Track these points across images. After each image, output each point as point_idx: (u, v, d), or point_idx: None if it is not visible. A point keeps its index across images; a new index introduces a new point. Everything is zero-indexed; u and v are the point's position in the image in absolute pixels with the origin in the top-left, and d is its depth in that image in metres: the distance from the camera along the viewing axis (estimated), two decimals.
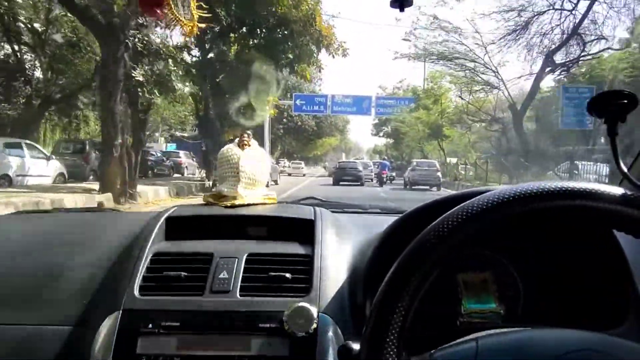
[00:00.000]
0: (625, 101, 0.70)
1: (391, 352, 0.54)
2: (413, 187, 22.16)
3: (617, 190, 0.57)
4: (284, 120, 42.06)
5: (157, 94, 12.08)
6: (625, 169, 0.72)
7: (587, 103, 0.75)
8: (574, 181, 0.58)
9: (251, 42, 17.08)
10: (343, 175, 25.51)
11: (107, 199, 9.19)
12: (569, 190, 0.56)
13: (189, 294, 0.90)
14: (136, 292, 0.90)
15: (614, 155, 0.73)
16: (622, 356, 0.53)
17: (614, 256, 0.87)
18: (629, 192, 0.57)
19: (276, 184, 21.54)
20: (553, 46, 20.36)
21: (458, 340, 0.60)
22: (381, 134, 56.51)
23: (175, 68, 12.66)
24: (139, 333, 0.84)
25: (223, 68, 17.31)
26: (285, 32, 16.57)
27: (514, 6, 20.16)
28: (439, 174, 23.24)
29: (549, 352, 0.53)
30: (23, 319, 0.91)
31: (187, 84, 14.92)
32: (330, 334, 0.84)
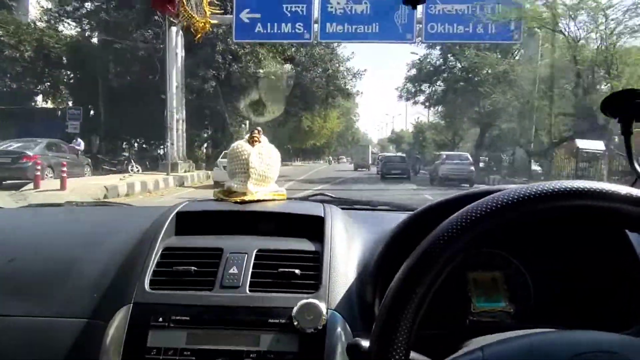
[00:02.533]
0: None
1: (400, 351, 0.54)
2: (443, 184, 19.55)
3: (631, 191, 0.56)
4: (218, 60, 20.24)
5: None
6: (639, 169, 0.71)
7: (601, 102, 0.74)
8: (590, 181, 0.57)
9: None
10: (391, 168, 25.21)
11: None
12: (583, 190, 0.55)
13: (199, 288, 0.90)
14: (147, 286, 0.90)
15: (628, 154, 0.72)
16: (636, 357, 0.52)
17: (627, 256, 0.86)
18: None
19: None
20: None
21: (464, 350, 0.59)
22: (422, 96, 31.95)
23: None
24: (149, 326, 0.85)
25: None
26: None
27: None
28: (472, 167, 20.47)
29: (559, 356, 0.52)
30: (36, 311, 0.92)
31: None
32: (339, 330, 0.84)
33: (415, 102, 33.32)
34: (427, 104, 33.37)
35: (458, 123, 31.22)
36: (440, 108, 33.42)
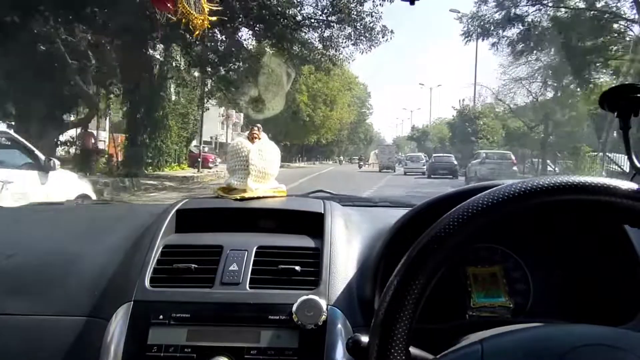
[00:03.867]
0: (639, 95, 0.69)
1: (400, 345, 0.55)
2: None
3: (630, 185, 0.56)
4: None
5: None
6: (638, 164, 0.72)
7: (599, 97, 0.74)
8: (587, 176, 0.58)
9: None
10: (438, 168, 25.80)
11: None
12: (582, 185, 0.56)
13: (199, 285, 0.91)
14: (147, 284, 0.91)
15: (626, 149, 0.73)
16: (635, 350, 0.53)
17: (625, 251, 0.86)
18: None
19: None
20: None
21: (462, 344, 0.59)
22: (514, 29, 16.72)
23: None
24: (150, 324, 0.85)
25: None
26: None
27: None
28: (515, 168, 18.86)
29: (557, 349, 0.52)
30: (36, 309, 0.92)
31: None
32: (339, 326, 0.85)
33: (496, 41, 16.95)
34: (522, 45, 16.92)
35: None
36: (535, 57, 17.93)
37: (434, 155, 29.68)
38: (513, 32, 16.92)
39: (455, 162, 25.77)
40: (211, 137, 39.49)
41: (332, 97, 34.39)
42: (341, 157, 54.73)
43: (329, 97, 34.16)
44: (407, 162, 33.14)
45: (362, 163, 42.23)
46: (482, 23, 17.83)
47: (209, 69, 15.70)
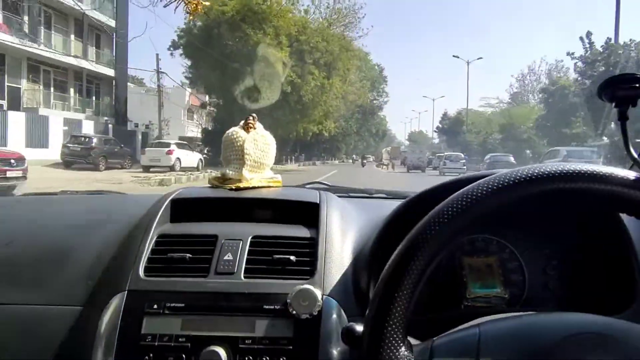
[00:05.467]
0: (637, 85, 0.69)
1: (394, 334, 0.55)
2: None
3: (627, 173, 0.56)
4: None
5: None
6: (635, 154, 0.72)
7: (597, 87, 0.74)
8: (584, 163, 0.57)
9: None
10: (496, 167, 25.98)
11: None
12: (577, 173, 0.55)
13: (194, 275, 0.91)
14: (141, 273, 0.90)
15: (624, 139, 0.72)
16: (628, 339, 0.53)
17: (620, 240, 0.87)
18: (638, 176, 0.57)
19: None
20: None
21: (460, 327, 0.60)
22: None
23: None
24: (144, 313, 0.85)
25: None
26: None
27: None
28: None
29: (552, 336, 0.53)
30: (30, 299, 0.92)
31: None
32: (335, 316, 0.85)
33: None
34: None
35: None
36: None
37: (491, 154, 29.09)
38: None
39: (513, 161, 25.42)
40: (137, 125, 27.52)
41: (330, 58, 22.03)
42: (354, 155, 44.83)
43: (325, 56, 21.49)
44: (446, 161, 31.88)
45: (365, 162, 38.84)
46: None
47: None
